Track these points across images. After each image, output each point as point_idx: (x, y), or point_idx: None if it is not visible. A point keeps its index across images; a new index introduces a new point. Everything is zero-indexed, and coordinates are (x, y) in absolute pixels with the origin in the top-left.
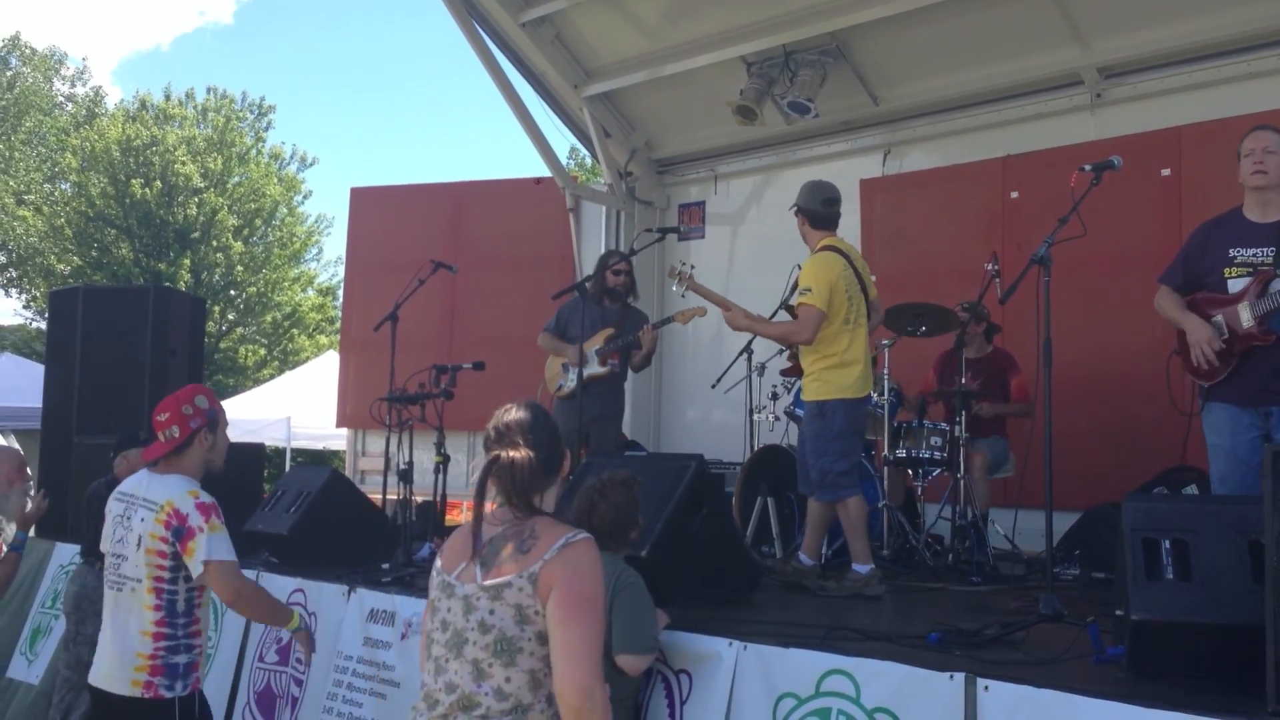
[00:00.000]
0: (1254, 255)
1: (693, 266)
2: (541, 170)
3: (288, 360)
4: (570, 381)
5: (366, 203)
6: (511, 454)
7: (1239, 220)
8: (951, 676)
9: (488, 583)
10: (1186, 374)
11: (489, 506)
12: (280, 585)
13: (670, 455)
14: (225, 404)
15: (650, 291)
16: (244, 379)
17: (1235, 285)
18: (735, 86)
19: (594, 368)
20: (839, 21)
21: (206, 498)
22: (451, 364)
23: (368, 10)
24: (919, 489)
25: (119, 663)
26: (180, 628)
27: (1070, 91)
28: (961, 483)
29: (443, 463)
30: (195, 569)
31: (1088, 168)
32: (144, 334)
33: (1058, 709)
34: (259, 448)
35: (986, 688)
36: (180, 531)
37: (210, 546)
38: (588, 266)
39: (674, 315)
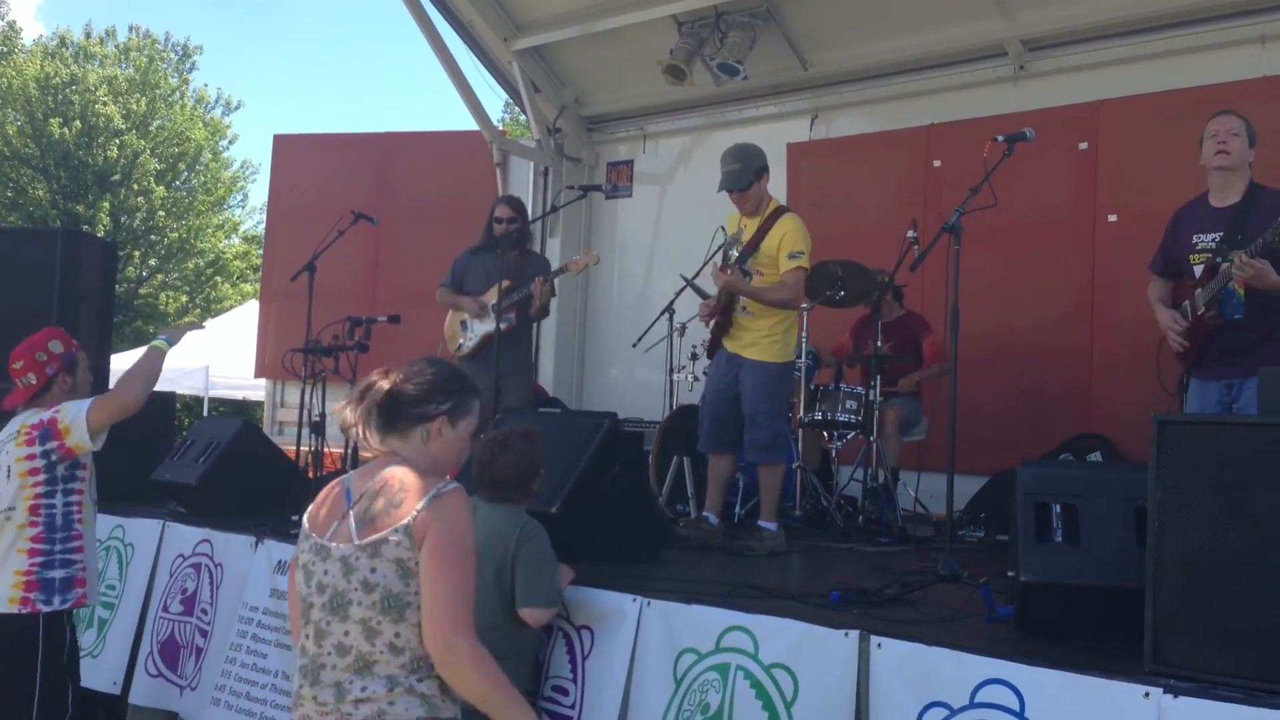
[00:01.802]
0: (1211, 240)
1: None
2: (470, 124)
3: (210, 308)
4: (470, 340)
5: (290, 150)
6: (379, 381)
7: (1202, 205)
8: (846, 634)
9: (364, 540)
10: (1177, 359)
11: (364, 456)
12: (186, 535)
13: (584, 413)
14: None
15: (577, 245)
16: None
17: (1198, 270)
18: (666, 46)
19: (488, 324)
20: None
21: (48, 411)
22: (366, 317)
23: None
24: (833, 451)
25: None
26: (58, 542)
27: (994, 63)
28: (874, 446)
29: None
30: (82, 439)
31: (1000, 139)
32: (51, 278)
33: (946, 665)
34: (170, 396)
35: (879, 645)
36: (45, 434)
37: (74, 410)
38: None
39: (566, 264)
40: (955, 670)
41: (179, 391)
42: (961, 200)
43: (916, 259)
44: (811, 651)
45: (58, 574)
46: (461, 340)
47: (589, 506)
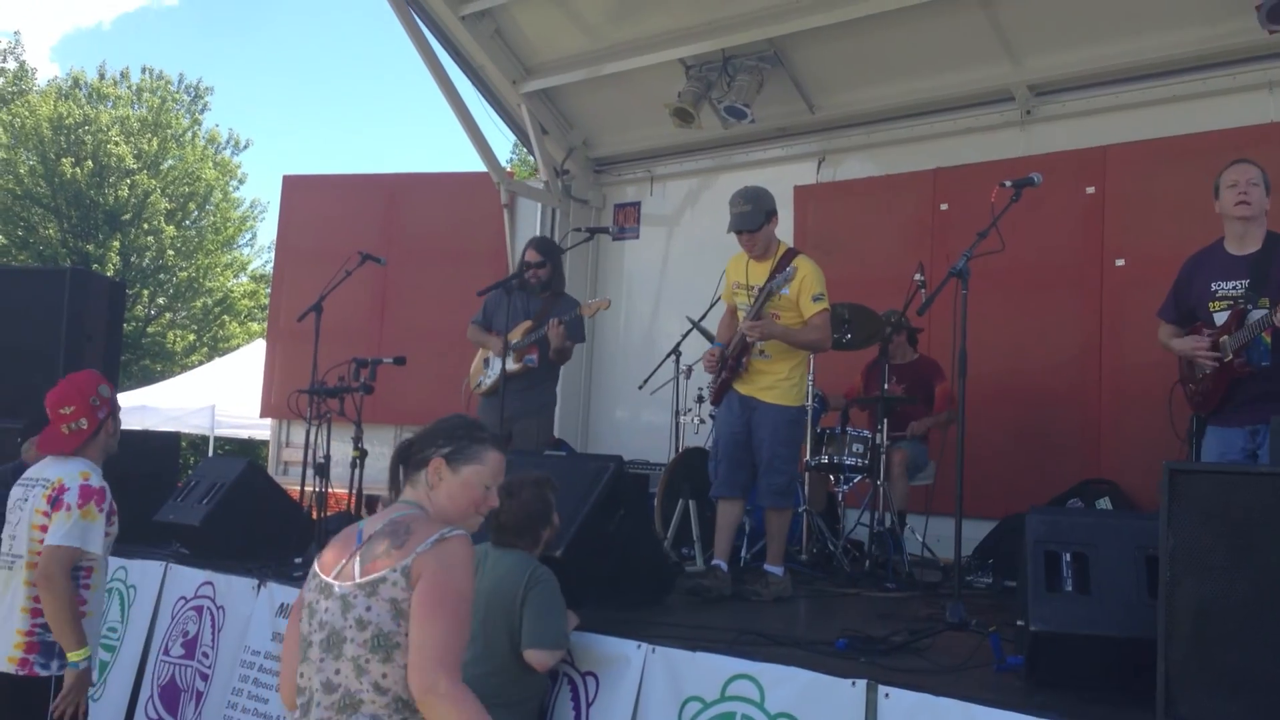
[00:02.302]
0: (1232, 288)
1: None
2: (478, 165)
3: (218, 347)
4: (488, 378)
5: (299, 191)
6: (412, 437)
7: (1219, 253)
8: (854, 683)
9: (364, 579)
10: (1189, 404)
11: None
12: (189, 577)
13: (590, 456)
14: (149, 390)
15: (583, 292)
16: (172, 365)
17: (1219, 318)
18: (674, 89)
19: (509, 364)
20: (778, 28)
21: (97, 482)
22: (372, 358)
23: None
24: (840, 495)
25: (1, 639)
26: None
27: (1002, 107)
28: (881, 489)
29: (360, 457)
30: (45, 540)
31: (1008, 184)
32: (59, 317)
33: (955, 716)
34: (174, 437)
35: (887, 695)
36: (55, 502)
37: (64, 530)
38: None
39: (578, 309)
40: None
41: (184, 431)
42: (969, 244)
43: (924, 303)
44: (818, 700)
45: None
46: (482, 378)
47: (594, 550)
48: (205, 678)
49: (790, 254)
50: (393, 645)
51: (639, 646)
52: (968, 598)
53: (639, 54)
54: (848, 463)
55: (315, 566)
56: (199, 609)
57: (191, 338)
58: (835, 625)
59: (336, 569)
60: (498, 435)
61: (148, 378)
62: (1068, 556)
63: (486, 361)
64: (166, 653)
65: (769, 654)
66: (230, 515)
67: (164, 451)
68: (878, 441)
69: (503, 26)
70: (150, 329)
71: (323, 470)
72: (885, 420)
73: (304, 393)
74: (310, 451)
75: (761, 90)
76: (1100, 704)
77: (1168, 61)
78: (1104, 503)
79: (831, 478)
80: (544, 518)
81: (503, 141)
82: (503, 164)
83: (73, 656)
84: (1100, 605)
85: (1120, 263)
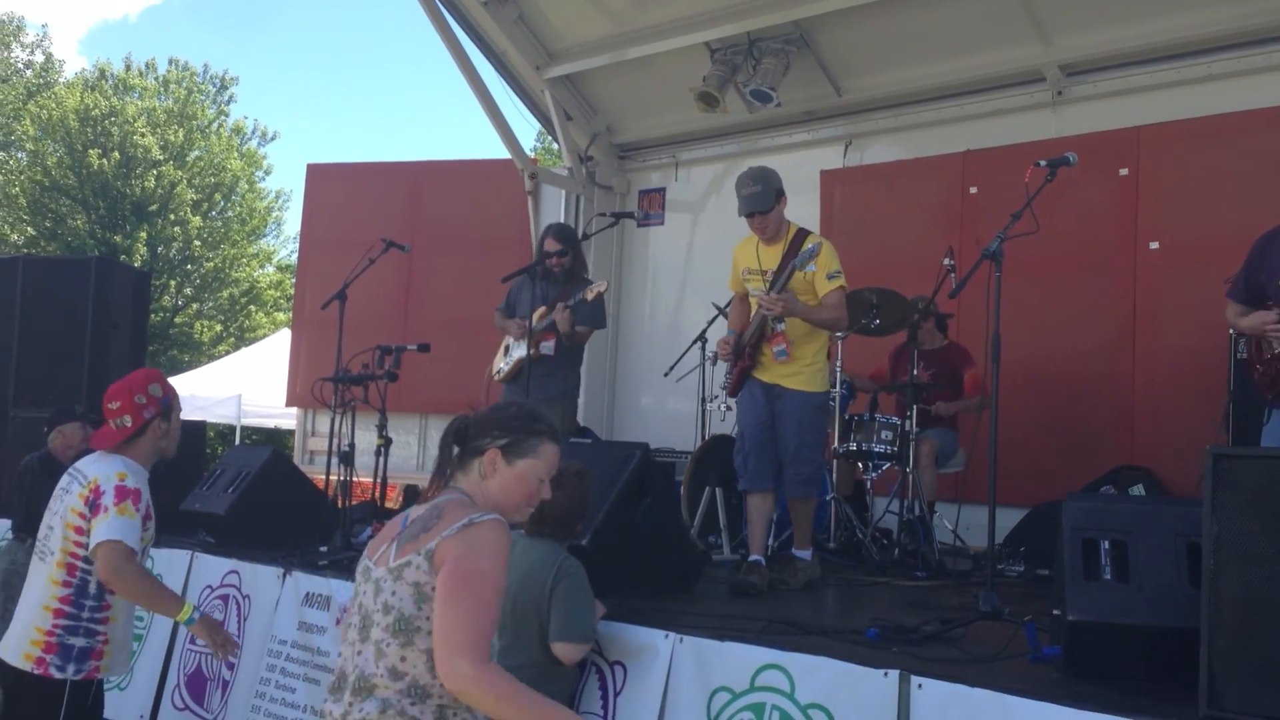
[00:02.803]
0: None
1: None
2: (502, 152)
3: (244, 337)
4: (507, 364)
5: (323, 180)
6: (468, 418)
7: None
8: (886, 674)
9: (394, 563)
10: (1257, 388)
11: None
12: (215, 566)
13: (616, 444)
14: (176, 380)
15: (609, 273)
16: (199, 355)
17: None
18: (699, 73)
19: (522, 350)
20: (804, 10)
21: (133, 483)
22: (396, 345)
23: None
24: (868, 482)
25: (19, 632)
26: (86, 609)
27: (1032, 88)
28: (910, 477)
29: (384, 445)
30: (90, 544)
31: (1043, 163)
32: (85, 306)
33: (991, 708)
34: (200, 425)
35: (920, 685)
36: (93, 506)
37: (105, 527)
38: None
39: (583, 294)
40: (999, 713)
41: (211, 420)
42: (1002, 226)
43: (957, 285)
44: (850, 691)
45: (79, 642)
46: (501, 364)
47: (620, 539)
48: (231, 667)
49: (803, 233)
50: (413, 629)
51: (667, 636)
52: (999, 587)
53: (663, 38)
54: (876, 450)
55: (365, 552)
56: (225, 598)
57: (218, 328)
58: (865, 614)
59: (378, 554)
60: (554, 427)
61: (175, 368)
62: (1106, 544)
63: (506, 349)
64: (193, 642)
65: (798, 644)
66: (255, 504)
67: (190, 440)
68: (907, 429)
69: (525, 11)
70: (177, 320)
71: (347, 459)
72: (914, 407)
73: (328, 381)
74: (335, 440)
75: (787, 73)
76: (1140, 696)
77: (1202, 40)
78: (1138, 490)
79: (860, 465)
80: (582, 510)
81: (527, 131)
82: (526, 152)
83: (183, 618)
84: (1140, 594)
85: (1154, 246)
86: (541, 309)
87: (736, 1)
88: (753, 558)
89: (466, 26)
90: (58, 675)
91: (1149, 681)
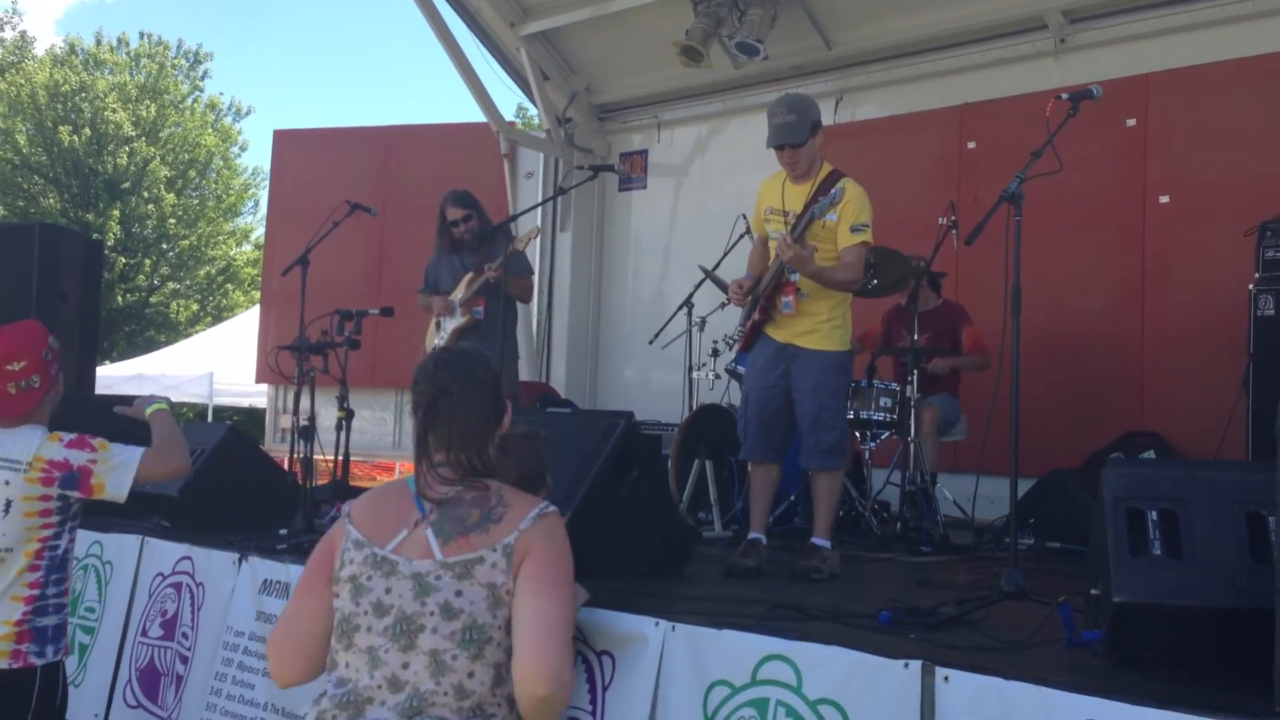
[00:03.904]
0: None
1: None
2: (478, 116)
3: (221, 316)
4: (442, 339)
5: (291, 146)
6: (453, 396)
7: None
8: (906, 665)
9: (452, 558)
10: None
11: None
12: (167, 552)
13: (598, 413)
14: (149, 359)
15: (590, 245)
16: (176, 335)
17: None
18: (681, 26)
19: (456, 320)
20: None
21: (68, 434)
22: (357, 310)
23: None
24: (866, 453)
25: None
26: (51, 584)
27: (1033, 36)
28: (911, 447)
29: (345, 418)
30: (118, 492)
31: (1065, 96)
32: (30, 275)
33: (1028, 704)
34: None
35: (946, 678)
36: (71, 479)
37: (122, 462)
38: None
39: (513, 245)
40: (1040, 710)
41: (184, 400)
42: (1005, 183)
43: (973, 231)
44: (865, 685)
45: (50, 620)
46: (437, 340)
47: (604, 516)
48: (185, 660)
49: (835, 175)
50: (485, 639)
51: (657, 624)
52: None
53: None
54: (875, 418)
55: (355, 534)
56: (177, 586)
57: (195, 307)
58: (873, 595)
59: (396, 540)
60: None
61: (152, 347)
62: (1154, 515)
63: (438, 324)
64: (145, 634)
65: (804, 631)
66: (211, 484)
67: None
68: (907, 395)
69: None
70: (153, 299)
71: (306, 434)
72: (915, 373)
73: (284, 349)
74: (296, 416)
75: (775, 25)
76: (1199, 688)
77: None
78: (1149, 455)
79: (857, 434)
80: (540, 475)
81: (507, 99)
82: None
83: (158, 406)
84: (1195, 571)
85: (1164, 199)
86: (467, 275)
87: None
88: (751, 535)
89: None
90: (39, 662)
91: (1205, 670)
